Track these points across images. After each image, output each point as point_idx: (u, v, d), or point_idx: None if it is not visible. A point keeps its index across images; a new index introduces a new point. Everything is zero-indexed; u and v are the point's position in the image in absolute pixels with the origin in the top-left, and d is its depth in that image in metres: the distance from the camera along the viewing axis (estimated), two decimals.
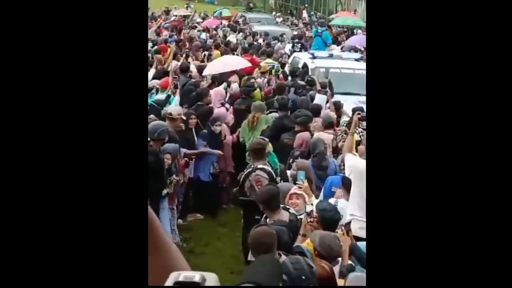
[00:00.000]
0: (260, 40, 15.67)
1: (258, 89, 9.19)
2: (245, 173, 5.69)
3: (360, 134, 5.84)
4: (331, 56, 11.76)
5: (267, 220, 4.60)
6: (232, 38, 16.22)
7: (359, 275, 3.60)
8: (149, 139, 5.89)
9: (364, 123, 5.79)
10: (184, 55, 11.65)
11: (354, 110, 7.34)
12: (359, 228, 4.66)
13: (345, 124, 7.16)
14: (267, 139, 6.25)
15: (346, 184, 5.24)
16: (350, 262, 3.93)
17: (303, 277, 3.20)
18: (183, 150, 6.85)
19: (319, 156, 5.90)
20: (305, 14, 28.84)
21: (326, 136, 6.58)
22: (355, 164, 5.12)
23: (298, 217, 4.66)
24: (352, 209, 4.98)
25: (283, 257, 3.75)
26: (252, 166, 5.71)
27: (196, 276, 1.23)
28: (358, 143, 6.07)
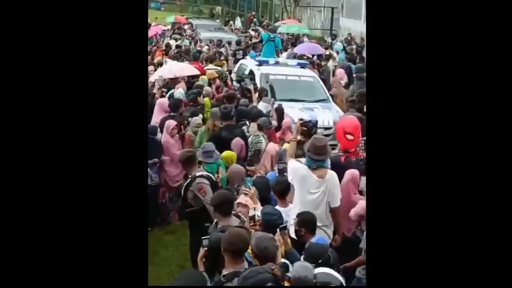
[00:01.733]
0: (205, 48, 15.60)
1: (207, 98, 9.13)
2: (185, 184, 5.66)
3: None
4: (277, 63, 11.85)
5: (217, 225, 4.58)
6: (172, 43, 16.11)
7: (304, 264, 3.69)
8: None
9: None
10: None
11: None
12: None
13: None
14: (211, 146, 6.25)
15: (276, 191, 5.28)
16: (283, 260, 4.00)
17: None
18: None
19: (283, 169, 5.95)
20: (237, 21, 28.93)
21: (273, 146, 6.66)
22: (296, 170, 5.17)
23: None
24: (294, 214, 5.04)
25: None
26: (190, 176, 5.68)
27: None
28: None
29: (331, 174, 5.16)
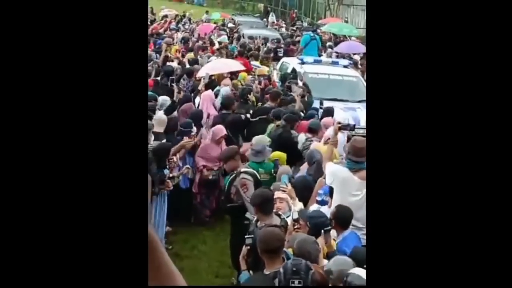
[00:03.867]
0: (246, 42, 15.73)
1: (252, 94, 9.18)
2: (230, 179, 5.70)
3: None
4: (319, 62, 11.80)
5: (258, 223, 4.59)
6: (222, 39, 16.34)
7: (343, 258, 3.74)
8: None
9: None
10: (180, 54, 11.93)
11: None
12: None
13: None
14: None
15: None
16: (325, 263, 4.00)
17: (295, 269, 3.33)
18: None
19: (317, 165, 5.92)
20: (272, 16, 28.74)
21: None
22: (337, 172, 5.12)
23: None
24: None
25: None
26: (235, 172, 5.72)
27: None
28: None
29: None
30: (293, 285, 3.30)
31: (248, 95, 8.59)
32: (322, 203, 5.19)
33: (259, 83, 9.95)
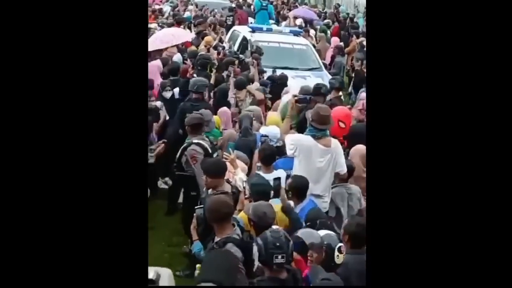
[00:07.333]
0: (187, 13, 15.41)
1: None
2: (182, 148, 5.70)
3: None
4: (270, 30, 11.78)
5: (209, 191, 4.62)
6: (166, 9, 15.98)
7: (310, 231, 3.80)
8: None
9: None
10: None
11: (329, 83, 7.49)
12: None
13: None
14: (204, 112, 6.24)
15: (261, 157, 5.28)
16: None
17: (278, 244, 3.24)
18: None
19: (244, 131, 6.00)
20: None
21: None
22: (300, 141, 5.16)
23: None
24: None
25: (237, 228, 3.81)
26: (188, 140, 5.72)
27: (150, 272, 1.23)
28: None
29: (335, 143, 5.19)
30: (277, 260, 3.21)
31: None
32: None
33: (218, 53, 9.75)
